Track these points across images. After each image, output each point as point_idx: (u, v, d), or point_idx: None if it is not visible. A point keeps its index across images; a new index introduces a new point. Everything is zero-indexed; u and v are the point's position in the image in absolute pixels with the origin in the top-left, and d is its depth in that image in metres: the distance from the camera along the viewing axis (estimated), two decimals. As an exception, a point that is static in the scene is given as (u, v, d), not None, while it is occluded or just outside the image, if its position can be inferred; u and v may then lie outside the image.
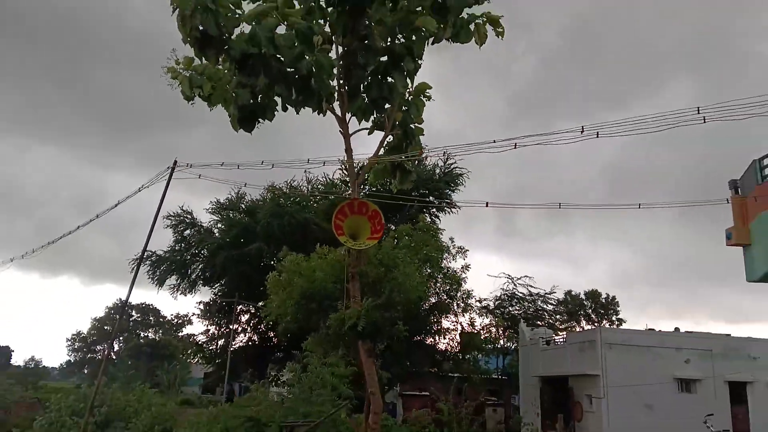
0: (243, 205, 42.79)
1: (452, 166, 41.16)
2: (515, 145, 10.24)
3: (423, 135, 14.30)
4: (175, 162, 17.39)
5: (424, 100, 14.12)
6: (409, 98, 13.85)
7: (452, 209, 41.58)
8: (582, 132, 9.54)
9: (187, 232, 42.91)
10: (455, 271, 34.85)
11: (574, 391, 30.81)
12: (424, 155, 13.98)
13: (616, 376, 28.33)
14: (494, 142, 10.35)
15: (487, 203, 11.49)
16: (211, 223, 43.18)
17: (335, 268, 17.52)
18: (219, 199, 43.00)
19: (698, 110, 8.31)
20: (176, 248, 42.53)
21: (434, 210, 41.90)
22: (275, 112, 12.45)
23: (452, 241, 34.90)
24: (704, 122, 8.23)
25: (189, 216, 42.70)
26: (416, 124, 14.00)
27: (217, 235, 42.28)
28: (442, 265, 32.77)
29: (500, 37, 12.04)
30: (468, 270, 34.90)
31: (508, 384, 41.60)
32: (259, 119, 12.56)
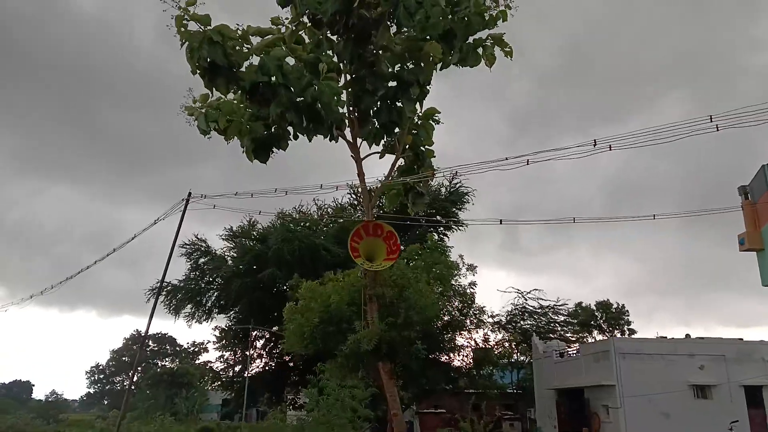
0: (255, 233, 42.79)
1: (458, 185, 41.13)
2: (527, 161, 10.20)
3: (434, 157, 14.29)
4: (190, 194, 17.48)
5: (432, 123, 14.12)
6: (419, 122, 13.86)
7: (459, 227, 41.47)
8: (595, 145, 9.48)
9: (202, 260, 42.83)
10: (465, 288, 34.73)
11: (590, 402, 30.38)
12: (436, 175, 13.95)
13: (632, 385, 27.96)
14: (506, 159, 10.33)
15: (500, 221, 11.44)
16: (224, 250, 43.16)
17: (350, 291, 17.39)
18: (232, 226, 43.05)
19: (711, 118, 8.24)
20: (191, 276, 42.45)
21: (442, 229, 41.77)
22: (288, 141, 12.48)
23: (462, 259, 34.85)
24: (717, 130, 8.15)
25: (203, 244, 42.70)
26: (426, 147, 14.00)
27: (230, 262, 42.20)
28: (453, 283, 32.61)
29: (509, 57, 12.07)
30: (475, 286, 34.78)
31: (523, 398, 41.08)
32: (273, 149, 12.59)
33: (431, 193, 38.88)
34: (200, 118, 12.02)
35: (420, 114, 13.59)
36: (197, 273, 42.80)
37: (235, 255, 42.01)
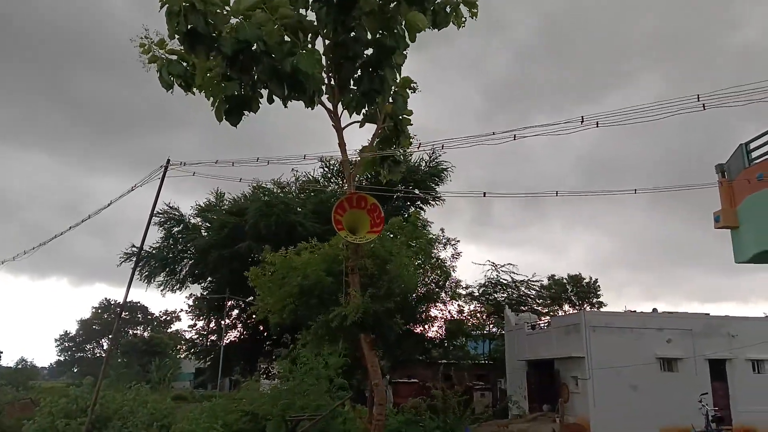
0: (224, 207, 42.44)
1: (437, 160, 41.19)
2: (515, 136, 10.09)
3: (411, 125, 14.14)
4: (169, 161, 17.03)
5: (409, 92, 13.95)
6: (395, 90, 13.63)
7: (437, 201, 41.62)
8: (582, 122, 9.40)
9: (175, 229, 42.36)
10: (444, 261, 34.94)
11: (560, 374, 30.98)
12: (422, 148, 13.78)
13: (601, 357, 28.51)
14: (493, 134, 10.21)
15: (484, 193, 11.34)
16: (199, 222, 42.78)
17: (327, 262, 17.29)
18: (199, 202, 42.70)
19: (698, 97, 8.21)
20: (164, 245, 42.01)
21: (419, 202, 41.85)
22: (260, 104, 12.11)
23: (443, 233, 34.99)
24: (704, 109, 8.14)
25: (177, 213, 42.20)
26: (404, 116, 13.82)
27: (205, 234, 41.84)
28: (432, 256, 32.74)
29: (474, 18, 11.96)
30: (458, 258, 34.97)
31: (495, 368, 41.75)
32: (245, 111, 12.20)
33: (410, 166, 38.92)
34: (163, 70, 11.50)
35: (397, 82, 13.37)
36: (171, 242, 42.38)
37: (211, 227, 41.64)
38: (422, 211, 41.07)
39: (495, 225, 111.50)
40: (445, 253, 34.78)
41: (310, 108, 11.77)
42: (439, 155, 40.58)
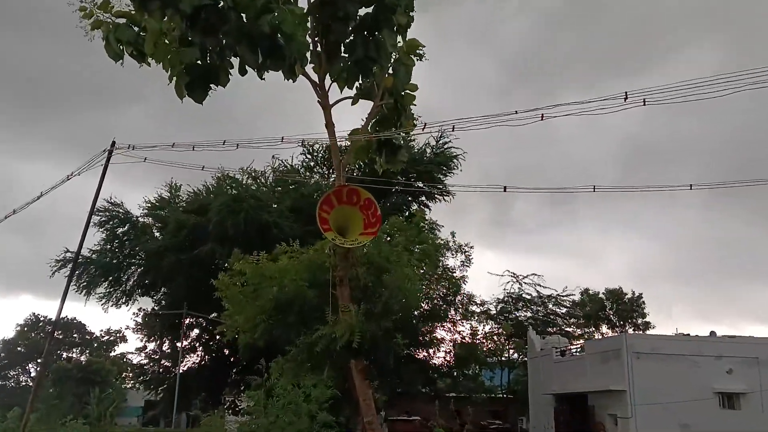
0: (181, 204, 42.33)
1: (445, 146, 41.05)
2: (542, 116, 10.07)
3: (414, 104, 14.08)
4: (114, 143, 16.98)
5: (414, 59, 13.86)
6: (395, 56, 13.55)
7: (445, 197, 41.62)
8: (626, 99, 9.41)
9: (120, 229, 42.22)
10: (453, 270, 35.10)
11: (595, 411, 31.06)
12: (423, 128, 13.72)
13: (646, 391, 28.61)
14: (516, 113, 10.16)
15: (505, 188, 11.32)
16: (150, 221, 42.69)
17: (310, 270, 17.24)
18: (150, 198, 42.44)
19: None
20: (107, 249, 41.87)
21: (423, 198, 41.87)
22: (229, 76, 12.03)
23: (453, 237, 35.12)
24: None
25: (121, 210, 42.07)
26: (408, 91, 13.76)
27: (157, 235, 41.75)
28: (439, 264, 32.86)
29: None
30: (469, 265, 35.11)
31: (515, 403, 41.89)
32: (212, 85, 12.12)
33: (415, 153, 38.85)
34: (110, 36, 11.43)
35: (400, 46, 13.29)
36: (115, 245, 42.27)
37: (162, 227, 41.55)
38: (427, 209, 41.10)
39: (515, 226, 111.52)
40: (454, 261, 35.01)
41: (291, 80, 11.70)
42: (448, 140, 40.52)
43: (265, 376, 18.85)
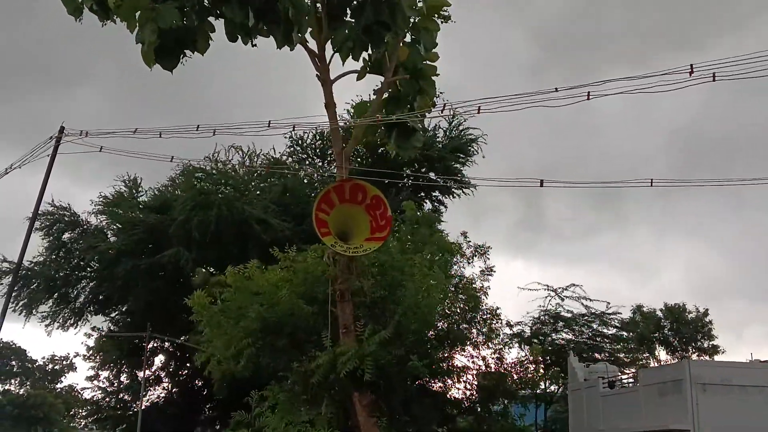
0: (141, 201, 42.48)
1: (463, 129, 41.10)
2: (588, 94, 10.13)
3: (437, 75, 14.11)
4: (62, 130, 17.00)
5: (439, 22, 13.90)
6: (415, 20, 13.56)
7: (464, 190, 41.72)
8: (691, 74, 9.47)
9: (67, 234, 42.36)
10: (472, 281, 35.06)
11: (652, 455, 31.08)
12: (442, 110, 13.77)
13: (714, 430, 28.59)
14: (556, 90, 10.18)
15: (541, 182, 11.37)
16: (103, 222, 42.81)
17: (307, 283, 17.24)
18: (106, 195, 42.45)
19: None
20: (52, 259, 42.00)
21: (437, 192, 41.99)
22: (209, 41, 12.14)
23: (465, 238, 35.07)
24: None
25: (66, 212, 42.22)
26: (428, 62, 13.83)
27: (111, 238, 41.88)
28: (453, 273, 32.87)
29: None
30: (491, 275, 34.98)
31: (553, 447, 42.00)
32: (186, 51, 12.24)
33: (426, 137, 38.88)
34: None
35: (419, 7, 13.27)
36: (61, 253, 42.41)
37: (118, 227, 41.66)
38: (442, 207, 41.23)
39: (550, 231, 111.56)
40: (471, 269, 35.02)
41: (288, 48, 11.80)
42: (464, 120, 40.45)
43: (255, 410, 18.89)
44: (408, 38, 14.05)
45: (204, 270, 34.79)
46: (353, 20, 12.96)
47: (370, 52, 13.37)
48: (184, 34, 12.04)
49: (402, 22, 12.84)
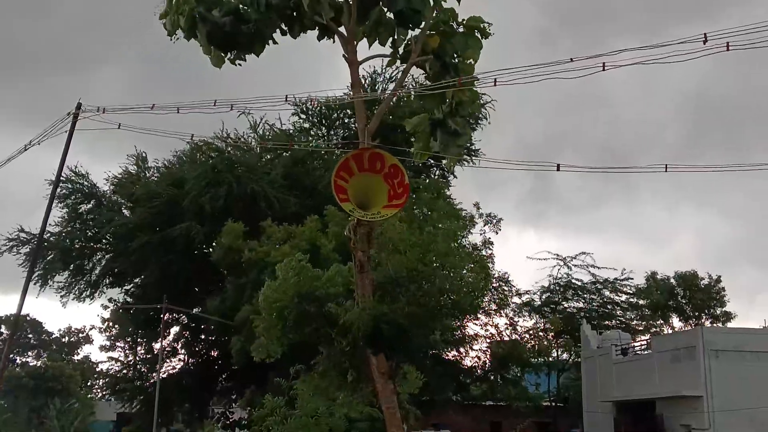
0: (152, 177, 42.63)
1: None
2: (603, 65, 10.26)
3: (476, 78, 14.30)
4: (79, 106, 17.19)
5: (479, 37, 14.14)
6: (459, 29, 13.85)
7: (472, 158, 41.61)
8: (705, 42, 9.59)
9: (84, 206, 42.57)
10: (480, 249, 35.33)
11: (665, 421, 31.36)
12: (457, 84, 13.87)
13: (727, 396, 28.84)
14: (571, 60, 10.35)
15: (558, 166, 11.51)
16: (118, 198, 43.02)
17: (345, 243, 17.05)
18: (115, 173, 42.63)
19: None
20: (68, 230, 42.23)
21: (445, 161, 41.91)
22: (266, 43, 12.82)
23: (477, 208, 35.32)
24: None
25: (85, 182, 42.38)
26: (465, 59, 14.04)
27: (125, 212, 42.14)
28: (464, 243, 33.13)
29: None
30: (491, 247, 35.25)
31: (566, 413, 42.34)
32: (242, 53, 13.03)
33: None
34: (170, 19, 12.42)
35: (456, 16, 13.56)
36: (77, 224, 42.65)
37: (131, 206, 41.90)
38: (453, 177, 41.24)
39: (560, 201, 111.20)
40: (481, 237, 35.30)
41: (329, 40, 12.29)
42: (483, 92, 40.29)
43: (292, 381, 18.94)
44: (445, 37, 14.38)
45: (231, 222, 34.65)
46: (384, 6, 13.24)
47: (396, 37, 13.63)
48: (235, 35, 12.78)
49: (430, 9, 13.11)
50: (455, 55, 14.01)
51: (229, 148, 40.43)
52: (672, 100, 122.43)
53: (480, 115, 41.10)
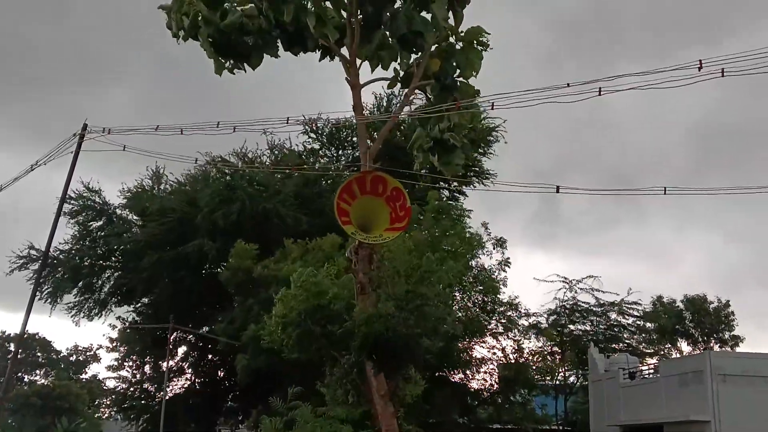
0: (166, 193, 42.86)
1: (483, 119, 41.08)
2: (600, 90, 10.38)
3: (478, 95, 14.45)
4: (86, 126, 17.39)
5: (479, 49, 14.29)
6: (458, 45, 14.01)
7: (483, 181, 41.80)
8: (700, 69, 9.70)
9: (95, 223, 42.77)
10: (491, 272, 35.32)
11: (672, 446, 31.19)
12: (457, 107, 14.02)
13: (735, 421, 28.62)
14: (568, 86, 10.47)
15: (557, 188, 11.65)
16: (128, 215, 43.27)
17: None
18: (128, 185, 42.86)
19: None
20: (78, 247, 42.42)
21: (455, 184, 42.04)
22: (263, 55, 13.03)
23: (486, 229, 35.31)
24: None
25: (97, 199, 42.62)
26: (463, 79, 14.18)
27: (135, 230, 42.36)
28: (472, 264, 33.15)
29: None
30: (508, 267, 35.23)
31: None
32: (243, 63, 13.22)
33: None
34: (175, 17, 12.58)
35: (458, 32, 13.74)
36: (87, 242, 42.85)
37: (141, 223, 42.13)
38: (462, 197, 41.34)
39: (568, 224, 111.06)
40: (489, 260, 35.29)
41: (330, 60, 12.44)
42: (484, 110, 40.37)
43: (292, 401, 19.06)
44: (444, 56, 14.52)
45: (241, 242, 34.74)
46: (386, 30, 13.41)
47: (399, 61, 13.80)
48: (237, 43, 13.01)
49: (432, 35, 13.26)
50: (455, 76, 14.14)
51: (244, 167, 40.68)
52: (680, 125, 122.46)
53: (493, 139, 41.44)
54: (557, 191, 12.23)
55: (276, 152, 42.79)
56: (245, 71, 12.98)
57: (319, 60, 12.41)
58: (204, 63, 14.31)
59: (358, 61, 13.68)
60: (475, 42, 14.19)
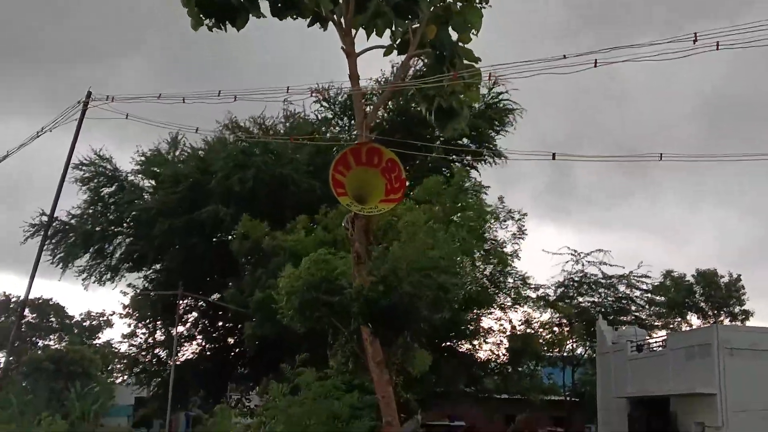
0: (178, 153, 42.93)
1: (499, 98, 40.92)
2: (595, 62, 10.37)
3: (478, 59, 14.36)
4: (89, 94, 17.42)
5: (478, 7, 14.18)
6: (458, 5, 13.90)
7: (496, 160, 41.66)
8: (695, 42, 9.68)
9: (106, 189, 42.93)
10: (503, 244, 35.42)
11: (678, 418, 31.32)
12: (455, 78, 13.96)
13: (741, 395, 28.72)
14: (564, 57, 10.46)
15: (553, 155, 11.68)
16: (142, 180, 43.40)
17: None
18: (145, 151, 42.89)
19: None
20: (89, 213, 42.63)
21: (468, 157, 41.98)
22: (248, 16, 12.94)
23: (501, 202, 35.32)
24: None
25: (108, 166, 42.76)
26: (462, 43, 14.10)
27: (147, 197, 42.51)
28: (485, 237, 33.19)
29: None
30: (522, 239, 35.27)
31: (581, 408, 42.36)
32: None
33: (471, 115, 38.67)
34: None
35: None
36: (99, 207, 43.04)
37: (155, 186, 42.28)
38: (475, 171, 41.26)
39: (579, 197, 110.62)
40: (503, 233, 35.33)
41: (321, 28, 12.40)
42: (504, 90, 40.16)
43: (298, 367, 19.21)
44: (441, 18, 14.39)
45: (247, 216, 34.85)
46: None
47: (394, 29, 13.74)
48: (223, 6, 12.99)
49: (425, 2, 13.19)
50: (454, 38, 14.07)
51: (257, 134, 40.75)
52: (693, 97, 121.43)
53: (507, 120, 41.38)
54: (553, 158, 12.24)
55: (291, 120, 42.78)
56: (226, 30, 12.84)
57: (308, 26, 12.32)
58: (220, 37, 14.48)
59: (353, 30, 13.65)
60: (475, 2, 14.01)
